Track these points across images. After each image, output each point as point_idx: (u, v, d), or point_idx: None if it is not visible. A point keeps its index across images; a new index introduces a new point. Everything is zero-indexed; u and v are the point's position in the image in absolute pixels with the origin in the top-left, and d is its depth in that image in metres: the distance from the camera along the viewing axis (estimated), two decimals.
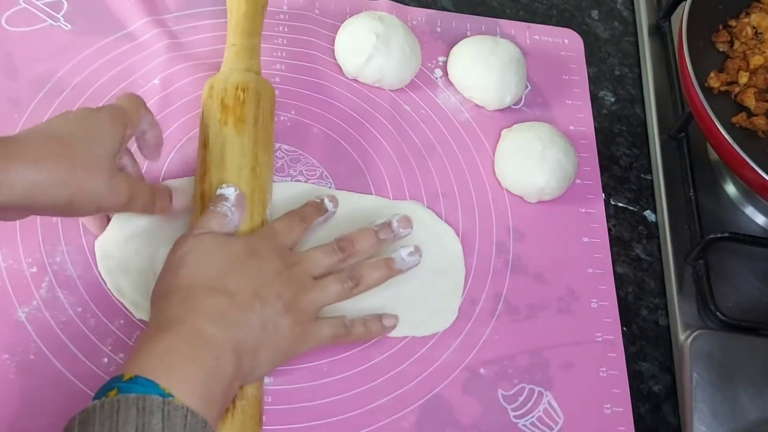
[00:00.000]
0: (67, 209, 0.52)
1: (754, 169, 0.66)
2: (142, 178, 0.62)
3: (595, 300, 0.69)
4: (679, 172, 0.77)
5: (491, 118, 0.77)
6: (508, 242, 0.71)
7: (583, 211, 0.74)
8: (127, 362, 0.49)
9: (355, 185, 0.70)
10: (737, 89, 0.78)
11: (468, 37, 0.80)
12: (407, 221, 0.64)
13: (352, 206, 0.68)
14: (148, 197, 0.58)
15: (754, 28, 0.81)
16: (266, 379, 0.60)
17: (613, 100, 0.83)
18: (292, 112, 0.73)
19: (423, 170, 0.73)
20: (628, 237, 0.75)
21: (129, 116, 0.57)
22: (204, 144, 0.63)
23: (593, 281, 0.70)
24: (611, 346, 0.67)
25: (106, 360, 0.58)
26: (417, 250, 0.63)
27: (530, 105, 0.79)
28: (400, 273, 0.63)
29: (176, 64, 0.72)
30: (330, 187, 0.69)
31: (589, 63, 0.84)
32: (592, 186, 0.76)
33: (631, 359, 0.68)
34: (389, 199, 0.70)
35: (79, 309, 0.60)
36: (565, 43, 0.84)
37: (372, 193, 0.70)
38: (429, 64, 0.79)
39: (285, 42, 0.76)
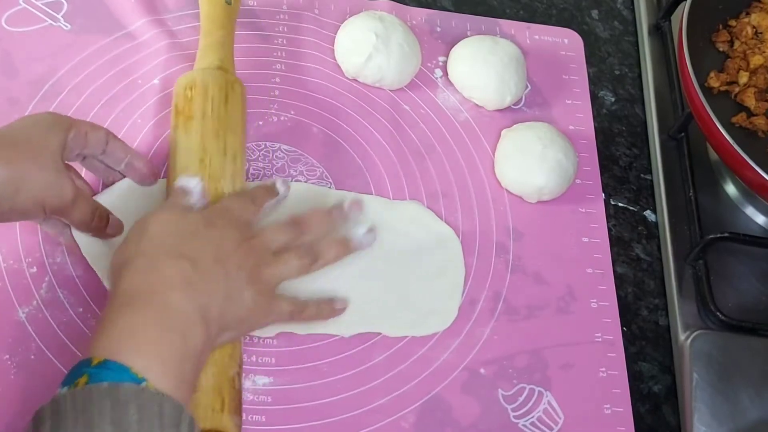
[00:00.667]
0: (12, 206, 0.53)
1: (754, 169, 0.66)
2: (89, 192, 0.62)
3: (594, 300, 0.69)
4: (679, 172, 0.77)
5: (491, 117, 0.77)
6: (507, 242, 0.71)
7: (583, 211, 0.74)
8: (94, 341, 0.47)
9: (355, 185, 0.70)
10: (737, 89, 0.78)
11: (468, 36, 0.80)
12: (358, 205, 0.63)
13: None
14: (89, 208, 0.58)
15: (754, 27, 0.81)
16: (265, 379, 0.60)
17: (613, 100, 0.83)
18: (292, 112, 0.73)
19: (423, 170, 0.73)
20: (628, 237, 0.75)
21: (73, 120, 0.57)
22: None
23: (593, 281, 0.70)
24: (611, 346, 0.67)
25: None
26: (372, 230, 0.62)
27: (530, 105, 0.79)
28: (357, 251, 0.62)
29: (176, 64, 0.72)
30: (330, 187, 0.69)
31: (589, 63, 0.84)
32: (592, 186, 0.76)
33: (631, 359, 0.68)
34: (389, 199, 0.70)
35: (80, 309, 0.60)
36: (565, 43, 0.84)
37: (372, 193, 0.70)
38: (429, 64, 0.79)
39: (285, 42, 0.76)
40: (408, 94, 0.76)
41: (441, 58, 0.79)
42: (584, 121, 0.79)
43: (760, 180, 0.66)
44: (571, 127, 0.78)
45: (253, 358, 0.61)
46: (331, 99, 0.74)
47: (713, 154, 0.78)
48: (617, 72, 0.85)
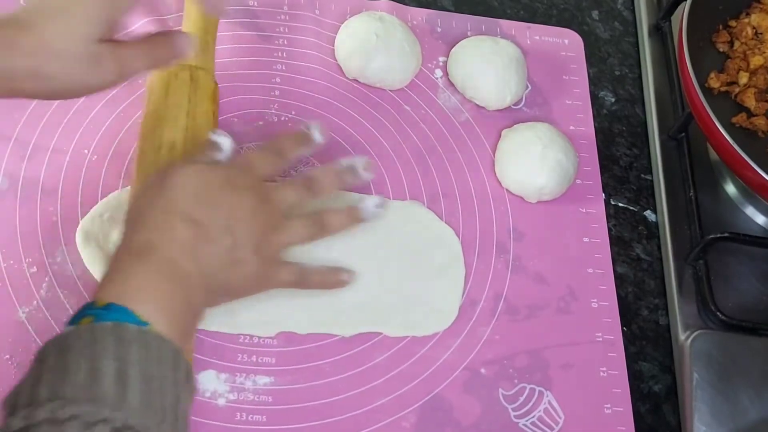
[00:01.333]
0: (54, 96, 0.52)
1: (754, 169, 0.66)
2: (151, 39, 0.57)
3: (595, 300, 0.69)
4: (679, 172, 0.77)
5: (491, 118, 0.77)
6: (508, 242, 0.71)
7: (583, 211, 0.74)
8: (100, 287, 0.49)
9: (355, 185, 0.70)
10: (737, 89, 0.78)
11: (468, 37, 0.80)
12: (370, 165, 0.63)
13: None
14: (145, 62, 0.55)
15: (754, 28, 0.81)
16: (265, 379, 0.60)
17: (613, 100, 0.83)
18: (293, 112, 0.73)
19: (423, 170, 0.73)
20: (628, 237, 0.75)
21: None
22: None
23: (593, 281, 0.70)
24: (611, 346, 0.68)
25: None
26: (382, 203, 0.62)
27: (530, 105, 0.79)
28: (363, 222, 0.62)
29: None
30: None
31: (589, 63, 0.84)
32: (592, 186, 0.76)
33: (631, 359, 0.68)
34: (389, 199, 0.70)
35: None
36: (565, 44, 0.84)
37: (372, 193, 0.70)
38: (429, 65, 0.79)
39: (285, 42, 0.76)
40: (408, 94, 0.76)
41: (441, 59, 0.79)
42: (584, 121, 0.79)
43: (760, 180, 0.66)
44: (571, 127, 0.78)
45: (254, 358, 0.61)
46: (331, 99, 0.74)
47: (713, 154, 0.78)
48: (617, 72, 0.85)
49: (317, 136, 0.62)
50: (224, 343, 0.61)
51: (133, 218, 0.54)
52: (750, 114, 0.77)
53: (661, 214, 0.76)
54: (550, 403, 0.64)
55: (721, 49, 0.81)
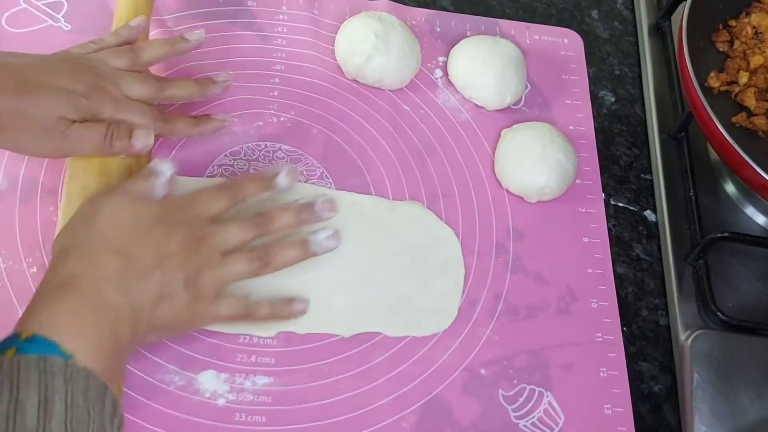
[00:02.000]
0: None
1: (754, 168, 0.66)
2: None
3: (595, 300, 0.69)
4: (679, 172, 0.77)
5: (491, 118, 0.77)
6: (507, 242, 0.71)
7: (583, 211, 0.74)
8: (24, 318, 0.48)
9: (355, 185, 0.70)
10: (737, 89, 0.78)
11: (468, 36, 0.80)
12: (331, 204, 0.62)
13: (351, 206, 0.68)
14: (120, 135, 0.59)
15: (754, 27, 0.81)
16: (265, 379, 0.60)
17: (613, 99, 0.83)
18: (292, 113, 0.73)
19: (423, 170, 0.73)
20: (628, 237, 0.75)
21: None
22: None
23: (593, 281, 0.70)
24: (611, 346, 0.67)
25: None
26: (335, 235, 0.61)
27: (530, 105, 0.79)
28: (315, 255, 0.61)
29: (175, 64, 0.72)
30: (330, 187, 0.69)
31: (589, 63, 0.84)
32: (592, 186, 0.76)
33: (631, 359, 0.68)
34: (389, 199, 0.70)
35: None
36: (564, 43, 0.84)
37: (372, 193, 0.70)
38: (429, 64, 0.78)
39: (285, 42, 0.76)
40: (408, 94, 0.76)
41: (441, 58, 0.79)
42: (584, 121, 0.79)
43: (760, 180, 0.66)
44: (571, 127, 0.78)
45: (253, 358, 0.61)
46: (331, 99, 0.74)
47: (713, 154, 0.78)
48: (617, 72, 0.85)
49: (283, 181, 0.61)
50: (223, 343, 0.61)
51: (61, 248, 0.53)
52: (750, 114, 0.77)
53: (661, 213, 0.76)
54: (550, 403, 0.64)
55: (721, 49, 0.81)
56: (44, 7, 0.73)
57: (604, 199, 0.75)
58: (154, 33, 0.73)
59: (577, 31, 0.85)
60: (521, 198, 0.73)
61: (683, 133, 0.78)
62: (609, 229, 0.74)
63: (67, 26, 0.72)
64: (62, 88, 0.57)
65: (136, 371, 0.58)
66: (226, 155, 0.69)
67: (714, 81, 0.78)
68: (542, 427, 0.63)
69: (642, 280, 0.73)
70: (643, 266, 0.73)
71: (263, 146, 0.70)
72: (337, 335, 0.63)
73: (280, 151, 0.70)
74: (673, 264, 0.72)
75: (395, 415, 0.61)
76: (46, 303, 0.49)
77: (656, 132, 0.80)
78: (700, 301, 0.70)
